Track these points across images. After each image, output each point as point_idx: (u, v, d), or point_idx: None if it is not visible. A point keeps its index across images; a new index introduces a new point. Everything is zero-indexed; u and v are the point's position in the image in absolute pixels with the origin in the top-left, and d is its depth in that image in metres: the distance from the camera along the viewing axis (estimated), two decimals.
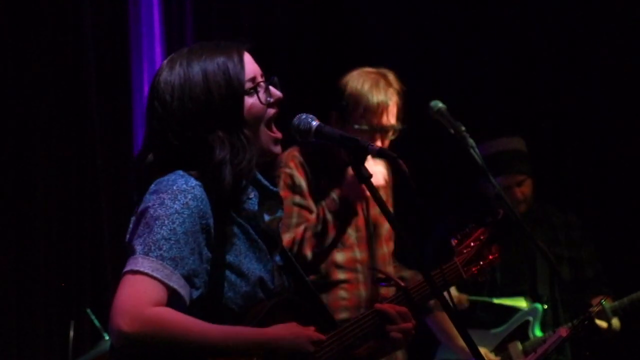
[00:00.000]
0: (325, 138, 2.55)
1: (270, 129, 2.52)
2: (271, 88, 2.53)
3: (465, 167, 4.14)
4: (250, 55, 2.53)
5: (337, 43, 5.95)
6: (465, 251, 2.99)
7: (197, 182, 2.39)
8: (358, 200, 3.89)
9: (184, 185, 2.37)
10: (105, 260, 5.04)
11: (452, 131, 3.82)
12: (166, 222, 2.33)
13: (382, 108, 3.90)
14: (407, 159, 2.47)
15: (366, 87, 3.92)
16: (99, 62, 5.15)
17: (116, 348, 2.30)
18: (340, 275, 3.92)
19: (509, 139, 4.88)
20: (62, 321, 4.75)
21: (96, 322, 4.46)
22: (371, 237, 4.01)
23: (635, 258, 5.42)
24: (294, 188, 3.90)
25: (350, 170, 3.72)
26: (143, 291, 2.27)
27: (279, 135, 2.53)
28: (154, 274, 2.29)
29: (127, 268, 2.31)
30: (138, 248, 2.32)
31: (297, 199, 3.89)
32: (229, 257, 2.42)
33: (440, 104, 3.88)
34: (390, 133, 3.95)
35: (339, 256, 3.92)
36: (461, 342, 4.03)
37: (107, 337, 4.44)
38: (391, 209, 4.03)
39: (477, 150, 3.79)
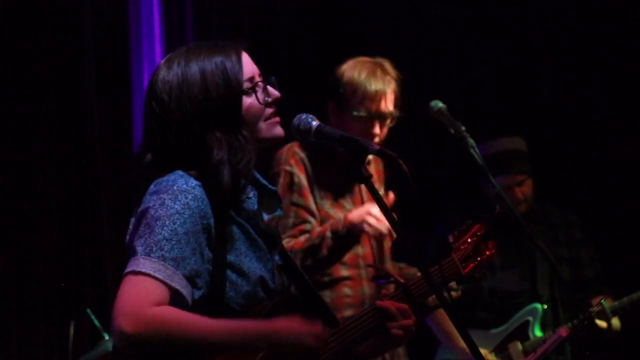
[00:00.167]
0: (326, 138, 2.55)
1: (267, 120, 2.51)
2: (269, 88, 2.53)
3: (465, 167, 4.14)
4: (248, 55, 2.53)
5: (337, 43, 5.95)
6: (462, 247, 3.00)
7: (197, 182, 2.39)
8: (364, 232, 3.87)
9: (184, 186, 2.37)
10: (105, 260, 5.04)
11: (452, 131, 3.82)
12: (167, 222, 2.32)
13: (379, 95, 3.90)
14: (407, 159, 2.47)
15: (363, 75, 3.92)
16: (99, 62, 5.15)
17: (119, 350, 2.29)
18: (343, 272, 3.91)
19: (509, 139, 4.88)
20: (62, 321, 4.75)
21: (96, 322, 4.46)
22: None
23: (635, 258, 5.42)
24: (293, 187, 3.88)
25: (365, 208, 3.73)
26: (145, 292, 2.27)
27: (277, 118, 2.53)
28: (156, 275, 2.28)
29: (129, 269, 2.31)
30: (139, 249, 2.32)
31: (296, 198, 3.88)
32: (230, 257, 2.42)
33: (440, 104, 3.88)
34: (389, 120, 3.94)
35: None
36: (461, 342, 4.02)
37: (107, 337, 4.44)
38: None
39: (477, 150, 3.78)
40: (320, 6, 6.12)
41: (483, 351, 4.47)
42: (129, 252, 2.36)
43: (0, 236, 4.81)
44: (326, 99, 4.00)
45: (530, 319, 4.72)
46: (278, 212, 2.61)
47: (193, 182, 2.39)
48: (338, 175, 3.92)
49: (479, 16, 5.92)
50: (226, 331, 2.32)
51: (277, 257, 2.59)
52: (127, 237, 2.43)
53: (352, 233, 3.81)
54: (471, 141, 3.79)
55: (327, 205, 3.92)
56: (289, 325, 2.39)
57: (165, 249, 2.31)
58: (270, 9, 5.92)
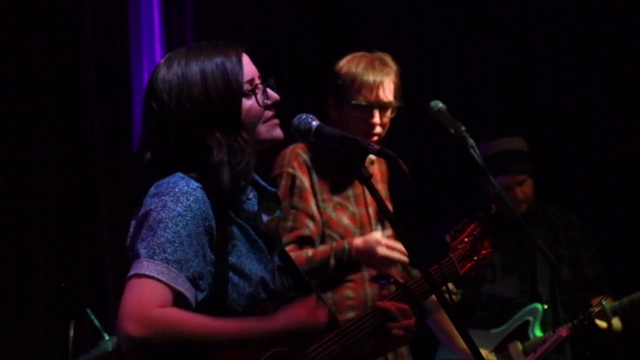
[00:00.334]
0: (326, 138, 2.55)
1: (266, 122, 2.51)
2: (268, 90, 2.53)
3: (465, 167, 4.14)
4: (248, 56, 2.53)
5: (337, 43, 5.94)
6: (460, 247, 3.00)
7: (198, 184, 2.39)
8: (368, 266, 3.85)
9: (186, 188, 2.37)
10: (105, 260, 5.04)
11: (452, 131, 3.82)
12: (170, 224, 2.32)
13: (377, 83, 3.88)
14: (407, 159, 2.47)
15: (361, 66, 3.91)
16: (99, 62, 5.16)
17: (125, 353, 2.29)
18: (346, 274, 3.90)
19: (509, 139, 4.88)
20: (62, 321, 4.75)
21: (96, 322, 4.46)
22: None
23: (635, 258, 5.42)
24: (294, 189, 3.86)
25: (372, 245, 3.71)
26: (149, 294, 2.27)
27: (276, 120, 2.53)
28: (160, 277, 2.28)
29: (132, 272, 2.30)
30: (142, 251, 2.31)
31: (296, 201, 3.85)
32: (231, 259, 2.42)
33: (440, 104, 3.88)
34: (389, 111, 3.92)
35: None
36: (461, 342, 4.02)
37: (107, 337, 4.45)
38: (390, 205, 4.06)
39: (477, 150, 3.78)
40: (320, 6, 6.12)
41: (483, 351, 4.48)
42: (131, 255, 2.36)
43: (0, 236, 4.81)
44: (326, 95, 3.99)
45: (530, 319, 4.72)
46: (277, 214, 2.61)
47: (194, 184, 2.39)
48: (342, 177, 3.91)
49: (479, 16, 5.92)
50: (234, 330, 2.32)
51: (276, 258, 2.59)
52: (128, 240, 2.42)
53: (356, 260, 3.78)
54: (471, 141, 3.79)
55: (330, 208, 3.90)
56: (294, 314, 2.39)
57: (169, 252, 2.30)
58: (270, 9, 5.92)
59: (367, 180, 2.49)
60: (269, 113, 2.52)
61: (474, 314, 4.76)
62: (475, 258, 3.02)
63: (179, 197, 2.35)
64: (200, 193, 2.38)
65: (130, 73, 5.33)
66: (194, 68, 2.45)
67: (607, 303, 4.60)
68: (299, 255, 3.74)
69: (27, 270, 4.85)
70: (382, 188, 4.03)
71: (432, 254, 4.61)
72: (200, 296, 2.35)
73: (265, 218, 2.57)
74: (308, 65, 5.88)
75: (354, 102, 3.87)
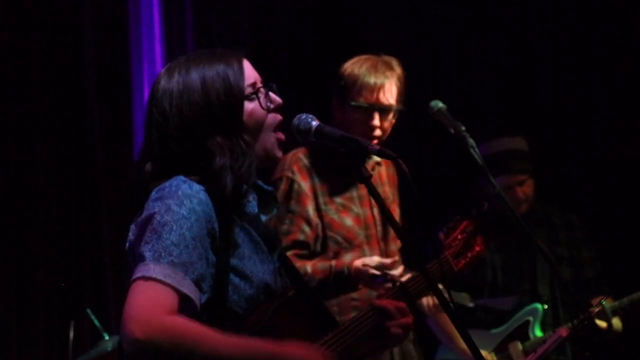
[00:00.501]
0: (325, 138, 2.55)
1: (275, 132, 2.52)
2: (271, 94, 2.54)
3: (465, 167, 4.14)
4: (248, 61, 2.54)
5: (337, 43, 5.95)
6: (454, 244, 3.01)
7: (201, 187, 2.39)
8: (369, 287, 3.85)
9: (189, 190, 2.37)
10: (105, 260, 5.04)
11: (452, 131, 3.82)
12: (174, 227, 2.32)
13: (378, 86, 3.89)
14: (407, 159, 2.47)
15: (364, 67, 3.92)
16: (99, 62, 5.16)
17: (128, 355, 2.28)
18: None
19: (510, 139, 4.88)
20: (62, 321, 4.75)
21: (96, 322, 4.46)
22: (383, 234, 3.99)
23: (635, 258, 5.42)
24: (292, 194, 3.87)
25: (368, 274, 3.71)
26: (156, 298, 2.26)
27: (282, 137, 2.54)
28: (167, 280, 2.27)
29: (138, 274, 2.29)
30: (147, 254, 2.30)
31: (293, 205, 3.86)
32: (233, 261, 2.42)
33: (440, 104, 3.87)
34: (391, 114, 3.93)
35: (348, 256, 3.88)
36: (461, 343, 4.03)
37: (107, 337, 4.45)
38: (397, 208, 4.07)
39: (477, 150, 3.78)
40: (320, 6, 6.12)
41: (483, 351, 4.48)
42: (133, 259, 2.35)
43: (0, 236, 4.82)
44: (330, 96, 4.00)
45: (530, 319, 4.72)
46: (274, 212, 2.61)
47: (197, 186, 2.38)
48: (345, 179, 3.91)
49: (479, 16, 5.92)
50: (236, 347, 2.31)
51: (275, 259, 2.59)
52: (128, 244, 2.42)
53: (355, 281, 3.79)
54: (471, 141, 3.78)
55: (332, 210, 3.90)
56: (297, 349, 2.37)
57: (174, 254, 2.30)
58: (270, 9, 5.92)
59: (366, 180, 2.49)
60: (274, 118, 2.52)
61: (474, 313, 4.76)
62: (470, 255, 3.03)
63: (182, 200, 2.35)
64: (203, 195, 2.38)
65: (130, 73, 5.33)
66: (195, 75, 2.46)
67: (607, 303, 4.60)
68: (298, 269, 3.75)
69: (27, 270, 4.85)
70: (388, 191, 4.04)
71: (431, 253, 4.61)
72: (203, 298, 2.35)
73: (263, 218, 2.57)
74: (308, 66, 5.89)
75: (354, 103, 3.88)
